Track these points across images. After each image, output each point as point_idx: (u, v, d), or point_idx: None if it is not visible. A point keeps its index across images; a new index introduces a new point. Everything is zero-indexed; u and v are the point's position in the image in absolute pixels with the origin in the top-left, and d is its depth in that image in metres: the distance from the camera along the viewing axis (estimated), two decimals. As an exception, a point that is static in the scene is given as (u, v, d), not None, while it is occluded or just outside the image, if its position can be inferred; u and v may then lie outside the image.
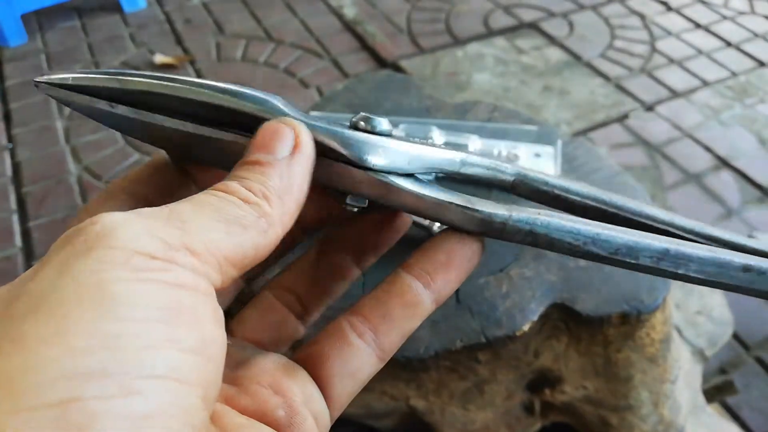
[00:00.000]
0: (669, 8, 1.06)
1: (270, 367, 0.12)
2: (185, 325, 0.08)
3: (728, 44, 0.97)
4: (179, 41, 1.00)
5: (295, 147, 0.11)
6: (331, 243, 0.14)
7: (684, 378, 0.37)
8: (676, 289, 0.48)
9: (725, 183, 0.75)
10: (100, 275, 0.08)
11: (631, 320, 0.27)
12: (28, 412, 0.07)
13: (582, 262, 0.28)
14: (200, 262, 0.09)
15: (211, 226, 0.10)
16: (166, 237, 0.09)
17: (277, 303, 0.14)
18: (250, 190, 0.10)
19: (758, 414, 0.52)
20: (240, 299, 0.15)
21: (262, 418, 0.11)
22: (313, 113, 0.34)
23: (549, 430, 0.34)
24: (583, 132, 0.82)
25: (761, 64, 0.93)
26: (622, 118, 0.84)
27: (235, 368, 0.12)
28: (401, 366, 0.25)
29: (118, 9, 1.08)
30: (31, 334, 0.07)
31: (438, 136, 0.31)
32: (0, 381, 0.07)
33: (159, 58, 0.95)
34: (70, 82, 0.12)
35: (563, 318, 0.27)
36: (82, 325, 0.07)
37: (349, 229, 0.14)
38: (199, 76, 0.93)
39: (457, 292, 0.26)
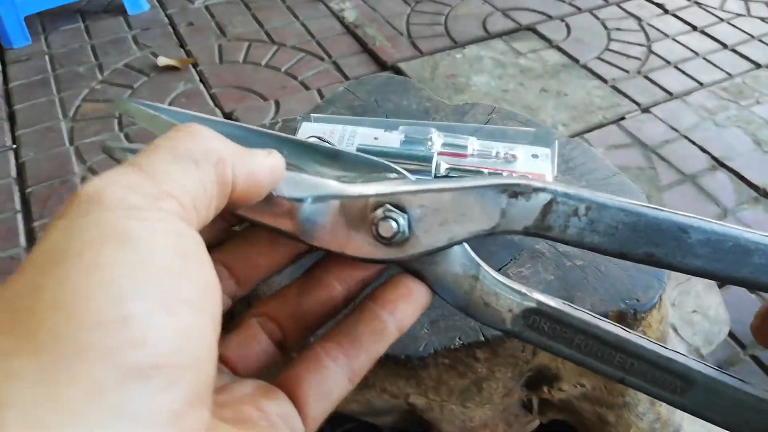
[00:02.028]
0: (665, 11, 1.07)
1: (249, 390, 0.13)
2: (193, 264, 0.09)
3: (724, 46, 0.98)
4: (182, 44, 1.01)
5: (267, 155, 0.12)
6: (321, 273, 0.15)
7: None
8: (672, 288, 0.49)
9: (721, 183, 0.75)
10: (116, 224, 0.09)
11: (628, 319, 0.28)
12: (95, 327, 0.08)
13: (579, 261, 0.29)
14: (179, 204, 0.10)
15: (172, 166, 0.10)
16: (146, 188, 0.09)
17: (260, 331, 0.14)
18: (198, 129, 0.11)
19: (754, 412, 0.53)
20: (223, 324, 0.15)
21: (244, 424, 0.12)
22: (314, 115, 0.35)
23: (547, 427, 0.35)
24: (580, 133, 0.82)
25: (757, 65, 0.94)
26: (618, 120, 0.85)
27: (216, 393, 0.12)
28: (401, 364, 0.26)
29: (121, 11, 1.09)
30: (72, 268, 0.08)
31: (437, 137, 0.32)
32: (61, 304, 0.08)
33: (162, 61, 0.95)
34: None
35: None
36: (115, 261, 0.08)
37: (338, 260, 0.14)
38: (201, 78, 0.93)
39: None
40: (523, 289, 0.14)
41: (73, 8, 1.08)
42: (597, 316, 0.14)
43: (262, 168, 0.12)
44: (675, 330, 0.46)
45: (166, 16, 1.09)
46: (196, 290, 0.09)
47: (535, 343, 0.14)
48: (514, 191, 0.13)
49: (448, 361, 0.26)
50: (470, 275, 0.14)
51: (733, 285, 0.13)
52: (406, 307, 0.14)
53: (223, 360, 0.14)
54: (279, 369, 0.14)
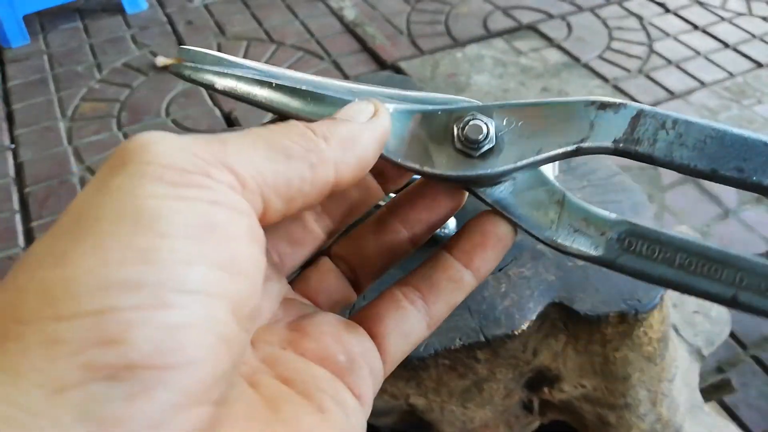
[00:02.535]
0: (667, 10, 1.07)
1: (332, 320, 0.12)
2: (217, 241, 0.08)
3: (726, 45, 0.98)
4: (181, 43, 1.01)
5: (373, 117, 0.12)
6: (388, 216, 0.15)
7: (682, 377, 0.38)
8: (674, 288, 0.49)
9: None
10: (134, 191, 0.08)
11: (629, 319, 0.27)
12: (68, 319, 0.07)
13: (580, 262, 0.29)
14: (237, 180, 0.09)
15: (253, 149, 0.09)
16: (201, 153, 0.09)
17: (335, 269, 0.14)
18: (310, 130, 0.11)
19: (755, 412, 0.53)
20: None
21: (323, 361, 0.11)
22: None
23: (548, 428, 0.34)
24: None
25: (759, 65, 0.94)
26: (620, 119, 0.84)
27: (299, 318, 0.12)
28: (401, 365, 0.25)
29: (120, 10, 1.09)
30: (71, 248, 0.08)
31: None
32: (41, 290, 0.07)
33: (161, 60, 0.95)
34: (216, 86, 0.13)
35: (561, 317, 0.28)
36: (118, 240, 0.08)
37: (405, 205, 0.14)
38: (200, 77, 0.93)
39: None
40: (612, 214, 0.13)
41: (71, 7, 1.08)
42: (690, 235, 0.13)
43: (370, 149, 0.11)
44: (676, 330, 0.45)
45: (165, 15, 1.08)
46: (210, 274, 0.08)
47: (633, 270, 0.13)
48: (603, 103, 0.13)
49: (448, 362, 0.26)
50: (555, 201, 0.13)
51: None
52: (483, 254, 0.13)
53: (304, 294, 0.14)
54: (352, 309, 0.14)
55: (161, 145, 0.09)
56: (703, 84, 0.90)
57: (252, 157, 0.09)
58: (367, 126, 0.12)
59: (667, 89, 0.90)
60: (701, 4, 1.08)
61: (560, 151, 0.13)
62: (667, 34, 1.00)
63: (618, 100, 0.13)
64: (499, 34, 1.01)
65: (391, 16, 1.05)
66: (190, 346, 0.08)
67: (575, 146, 0.13)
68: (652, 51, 0.97)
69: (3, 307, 0.08)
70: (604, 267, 0.13)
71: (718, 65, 0.94)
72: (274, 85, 0.13)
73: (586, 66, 0.94)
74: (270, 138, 0.10)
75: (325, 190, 0.11)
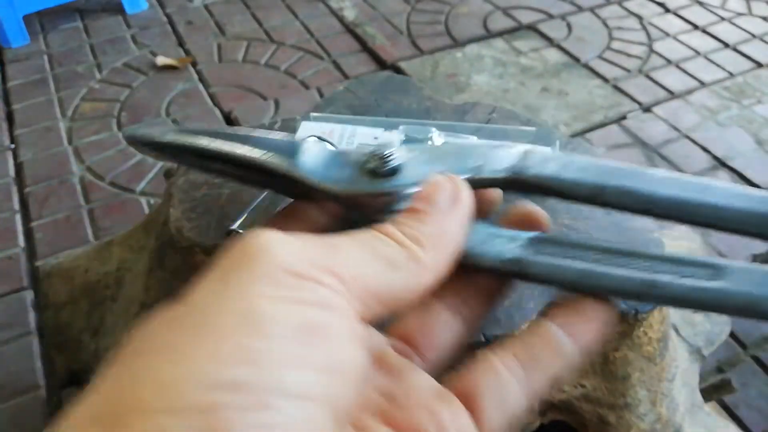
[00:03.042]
0: (666, 10, 1.07)
1: (425, 386, 0.12)
2: (318, 343, 0.09)
3: (726, 45, 0.98)
4: (181, 43, 1.01)
5: (455, 200, 0.12)
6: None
7: (681, 377, 0.38)
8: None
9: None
10: (252, 293, 0.09)
11: (629, 319, 0.27)
12: (178, 413, 0.08)
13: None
14: (343, 285, 0.09)
15: (361, 258, 0.10)
16: (315, 258, 0.10)
17: (440, 305, 0.13)
18: (404, 234, 0.11)
19: (756, 412, 0.53)
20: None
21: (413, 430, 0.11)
22: (313, 114, 0.35)
23: (547, 427, 0.34)
24: (581, 133, 0.82)
25: (758, 65, 0.94)
26: (619, 119, 0.84)
27: (391, 381, 0.12)
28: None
29: (120, 10, 1.09)
30: (188, 344, 0.08)
31: (437, 137, 0.31)
32: (156, 383, 0.08)
33: (161, 60, 0.95)
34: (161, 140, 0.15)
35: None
36: (230, 341, 0.08)
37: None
38: (200, 77, 0.93)
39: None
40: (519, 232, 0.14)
41: (71, 7, 1.08)
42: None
43: (460, 239, 0.12)
44: (676, 330, 0.46)
45: (165, 15, 1.08)
46: (311, 378, 0.08)
47: (547, 271, 0.13)
48: (497, 145, 0.15)
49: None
50: None
51: (693, 223, 0.14)
52: (584, 325, 0.12)
53: (403, 336, 0.13)
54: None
55: (281, 248, 0.09)
56: (703, 84, 0.90)
57: (359, 265, 0.10)
58: (453, 213, 0.12)
59: (666, 89, 0.90)
60: (701, 3, 1.08)
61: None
62: (667, 34, 1.00)
63: (514, 144, 0.15)
64: (499, 34, 1.01)
65: (391, 16, 1.05)
66: None
67: (471, 173, 0.14)
68: (652, 51, 0.97)
69: (118, 395, 0.08)
70: (516, 276, 0.13)
71: (718, 65, 0.94)
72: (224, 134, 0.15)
73: (586, 66, 0.94)
74: (376, 247, 0.11)
75: (427, 291, 0.11)
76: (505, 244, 0.13)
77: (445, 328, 0.13)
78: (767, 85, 0.90)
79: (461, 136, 0.32)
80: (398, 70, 0.93)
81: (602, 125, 0.84)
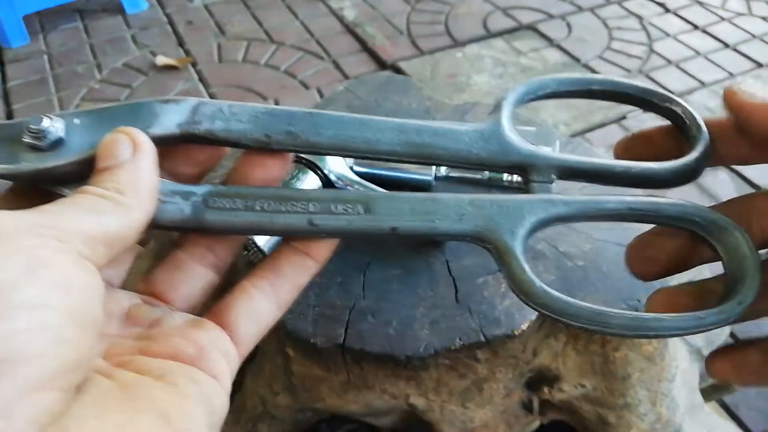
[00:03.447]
0: (666, 10, 1.07)
1: (179, 322, 0.14)
2: (46, 271, 0.11)
3: (726, 45, 0.98)
4: (181, 43, 1.01)
5: (135, 148, 0.14)
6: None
7: (681, 377, 0.38)
8: (674, 288, 0.49)
9: (722, 182, 0.75)
10: None
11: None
12: None
13: (580, 262, 0.29)
14: (62, 233, 0.11)
15: (74, 214, 0.12)
16: (33, 221, 0.11)
17: (187, 258, 0.16)
18: (104, 188, 0.13)
19: (755, 412, 0.53)
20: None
21: (173, 357, 0.13)
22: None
23: (547, 428, 0.34)
24: (581, 133, 0.82)
25: (758, 65, 0.94)
26: (619, 119, 0.85)
27: (148, 327, 0.14)
28: (401, 364, 0.26)
29: (120, 10, 1.09)
30: None
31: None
32: None
33: (161, 60, 0.95)
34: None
35: (561, 317, 0.28)
36: None
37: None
38: (200, 77, 0.93)
39: (456, 292, 0.27)
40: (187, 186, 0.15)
41: (71, 7, 1.08)
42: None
43: (153, 179, 0.14)
44: (676, 330, 0.45)
45: (165, 15, 1.08)
46: (43, 294, 0.10)
47: (221, 225, 0.14)
48: (167, 99, 0.15)
49: (448, 362, 0.26)
50: None
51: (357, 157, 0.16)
52: (318, 244, 0.15)
53: (155, 295, 0.15)
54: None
55: (2, 219, 0.11)
56: (703, 84, 0.90)
57: (72, 218, 0.12)
58: (139, 161, 0.14)
59: (667, 89, 0.89)
60: (701, 4, 1.08)
61: None
62: (667, 34, 1.01)
63: (181, 97, 0.15)
64: (499, 34, 1.01)
65: (391, 17, 1.06)
66: (30, 345, 0.10)
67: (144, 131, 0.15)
68: (652, 51, 0.97)
69: None
70: (193, 230, 0.15)
71: (718, 65, 0.94)
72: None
73: (586, 66, 0.94)
74: (81, 203, 0.12)
75: (140, 227, 0.13)
76: (181, 201, 0.14)
77: (191, 277, 0.15)
78: (767, 85, 0.90)
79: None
80: (398, 70, 0.93)
81: (602, 125, 0.84)
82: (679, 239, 0.16)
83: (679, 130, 0.17)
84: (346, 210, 0.15)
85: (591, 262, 0.28)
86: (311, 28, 1.03)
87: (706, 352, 0.46)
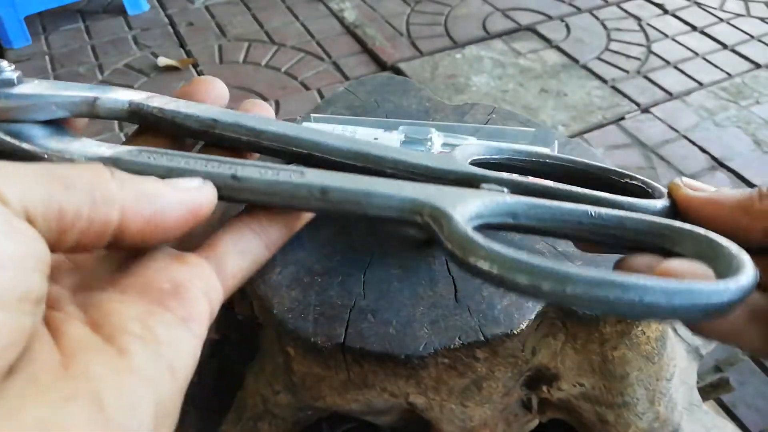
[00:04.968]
0: (665, 11, 1.07)
1: (161, 254, 0.12)
2: None
3: (724, 46, 0.98)
4: (182, 44, 1.01)
5: (194, 188, 0.13)
6: None
7: (680, 376, 0.38)
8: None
9: (720, 183, 0.75)
10: None
11: (627, 318, 0.28)
12: None
13: (578, 261, 0.29)
14: (3, 203, 0.09)
15: (28, 176, 0.10)
16: None
17: (245, 227, 0.15)
18: (110, 171, 0.11)
19: (754, 411, 0.53)
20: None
21: (144, 292, 0.11)
22: (314, 115, 0.35)
23: (546, 426, 0.35)
24: (580, 133, 0.82)
25: (756, 65, 0.94)
26: (618, 120, 0.85)
27: (128, 257, 0.12)
28: (401, 363, 0.26)
29: (121, 12, 1.09)
30: None
31: (437, 137, 0.32)
32: None
33: (162, 61, 0.96)
34: None
35: (560, 316, 0.28)
36: None
37: None
38: (200, 78, 0.93)
39: (455, 291, 0.27)
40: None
41: (73, 8, 1.08)
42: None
43: (174, 210, 0.12)
44: (674, 329, 0.46)
45: (166, 16, 1.09)
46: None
47: (139, 169, 0.14)
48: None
49: (448, 361, 0.26)
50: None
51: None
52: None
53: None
54: None
55: None
56: (701, 85, 0.91)
57: (23, 182, 0.10)
58: (179, 190, 0.12)
59: (665, 90, 0.90)
60: (699, 5, 1.08)
61: (78, 94, 0.15)
62: (666, 35, 1.01)
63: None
64: (498, 35, 1.01)
65: (391, 18, 1.06)
66: None
67: (93, 99, 0.15)
68: (650, 52, 0.97)
69: None
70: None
71: (716, 66, 0.94)
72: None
73: (585, 67, 0.94)
74: (58, 169, 0.10)
75: (105, 232, 0.11)
76: (100, 147, 0.14)
77: (246, 241, 0.14)
78: (765, 86, 0.90)
79: (460, 136, 0.32)
80: (398, 71, 0.93)
81: (600, 126, 0.84)
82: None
83: (646, 197, 0.16)
84: (276, 171, 0.14)
85: (590, 261, 0.29)
86: (312, 29, 1.04)
87: (704, 351, 0.46)
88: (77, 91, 0.15)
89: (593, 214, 0.13)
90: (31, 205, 0.10)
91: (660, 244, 0.13)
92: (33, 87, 0.14)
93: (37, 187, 0.10)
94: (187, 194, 0.12)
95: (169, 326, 0.11)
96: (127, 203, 0.11)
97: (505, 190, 0.15)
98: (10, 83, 0.14)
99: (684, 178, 0.15)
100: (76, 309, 0.11)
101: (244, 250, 0.14)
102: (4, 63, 0.14)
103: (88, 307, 0.11)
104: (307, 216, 0.15)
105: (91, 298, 0.11)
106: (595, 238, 0.14)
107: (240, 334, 0.31)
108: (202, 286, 0.12)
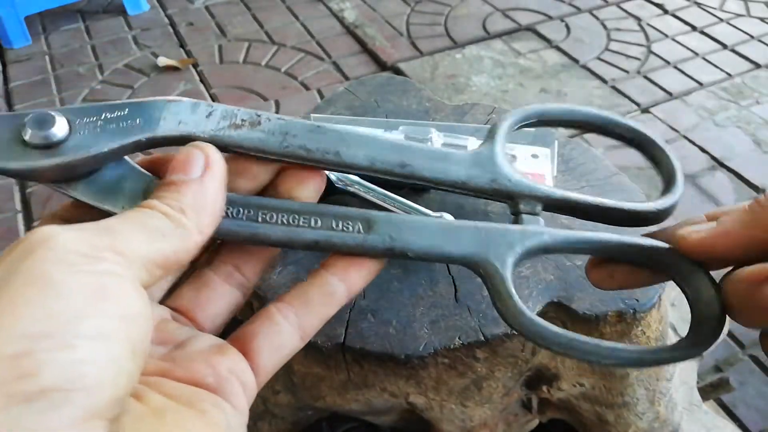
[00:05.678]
0: (665, 11, 1.07)
1: (204, 346, 0.14)
2: (111, 300, 0.11)
3: (724, 46, 0.98)
4: (182, 44, 1.01)
5: (206, 167, 0.14)
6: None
7: (680, 376, 0.38)
8: (672, 288, 0.49)
9: (720, 183, 0.76)
10: (42, 268, 0.10)
11: (627, 318, 0.28)
12: None
13: (578, 261, 0.29)
14: (124, 259, 0.11)
15: (134, 234, 0.12)
16: (93, 240, 0.11)
17: (215, 276, 0.16)
18: (168, 205, 0.13)
19: (753, 411, 0.53)
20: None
21: (194, 384, 0.13)
22: (314, 115, 0.35)
23: (546, 426, 0.35)
24: (580, 133, 0.82)
25: (756, 65, 0.94)
26: (619, 120, 0.85)
27: (173, 349, 0.14)
28: (401, 363, 0.26)
29: (121, 12, 1.09)
30: None
31: (437, 137, 0.32)
32: None
33: (162, 61, 0.96)
34: None
35: (560, 316, 0.28)
36: (30, 303, 0.10)
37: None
38: (201, 78, 0.94)
39: (455, 291, 0.27)
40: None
41: (73, 8, 1.08)
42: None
43: (218, 201, 0.14)
44: (674, 330, 0.46)
45: (166, 16, 1.09)
46: (107, 324, 0.10)
47: (246, 235, 0.15)
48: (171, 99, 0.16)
49: (447, 361, 0.26)
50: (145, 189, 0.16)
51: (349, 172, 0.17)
52: (358, 270, 0.15)
53: (181, 310, 0.15)
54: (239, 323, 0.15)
55: (63, 236, 0.11)
56: (701, 85, 0.91)
57: (134, 240, 0.12)
58: (206, 180, 0.14)
59: (665, 90, 0.90)
60: (699, 5, 1.08)
61: (131, 140, 0.15)
62: (666, 35, 1.01)
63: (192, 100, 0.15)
64: (498, 35, 1.01)
65: (391, 18, 1.06)
66: (90, 375, 0.10)
67: (146, 137, 0.15)
68: (650, 52, 0.97)
69: None
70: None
71: (716, 66, 0.94)
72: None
73: (585, 67, 0.94)
74: (146, 222, 0.12)
75: (196, 250, 0.13)
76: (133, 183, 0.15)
77: (218, 295, 0.15)
78: (765, 85, 0.90)
79: (460, 136, 0.32)
80: (398, 71, 0.93)
81: (601, 126, 0.84)
82: (644, 273, 0.16)
83: (657, 171, 0.18)
84: (349, 227, 0.15)
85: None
86: (312, 29, 1.04)
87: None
88: (127, 137, 0.15)
89: (609, 244, 0.16)
90: (147, 259, 0.12)
91: (662, 269, 0.16)
92: (83, 132, 0.14)
93: (147, 245, 0.12)
94: (214, 179, 0.14)
95: (228, 406, 0.13)
96: (198, 223, 0.13)
97: (539, 209, 0.17)
98: (62, 141, 0.14)
99: (685, 228, 0.15)
100: (144, 390, 0.12)
101: (278, 345, 0.15)
102: (49, 121, 0.14)
103: (152, 385, 0.12)
104: (343, 301, 0.16)
105: (151, 380, 0.13)
106: (610, 257, 0.17)
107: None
108: (240, 380, 0.14)
